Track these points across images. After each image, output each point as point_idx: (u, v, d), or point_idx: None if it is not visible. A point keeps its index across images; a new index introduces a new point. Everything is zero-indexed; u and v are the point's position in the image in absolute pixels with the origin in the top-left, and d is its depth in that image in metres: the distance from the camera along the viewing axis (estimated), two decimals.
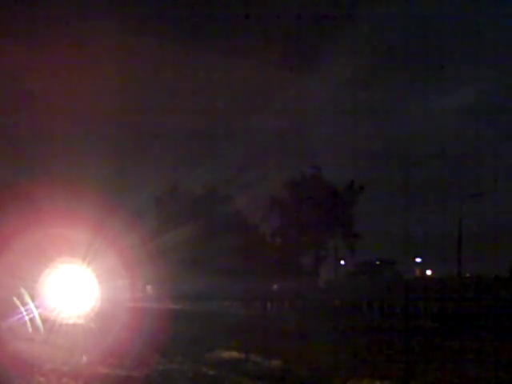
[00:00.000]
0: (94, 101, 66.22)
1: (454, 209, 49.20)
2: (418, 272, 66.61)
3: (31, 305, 19.00)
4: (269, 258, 66.48)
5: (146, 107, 72.61)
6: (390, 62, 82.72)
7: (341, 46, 73.29)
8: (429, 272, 65.69)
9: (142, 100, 75.41)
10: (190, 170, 72.32)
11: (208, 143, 74.01)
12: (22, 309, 18.71)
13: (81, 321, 21.18)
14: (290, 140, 75.42)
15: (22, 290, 19.52)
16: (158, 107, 72.34)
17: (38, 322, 18.57)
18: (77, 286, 22.96)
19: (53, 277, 21.70)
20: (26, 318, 18.42)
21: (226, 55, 71.42)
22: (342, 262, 67.37)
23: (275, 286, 64.81)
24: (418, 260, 65.48)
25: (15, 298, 19.08)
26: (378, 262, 68.47)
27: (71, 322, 20.69)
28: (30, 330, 18.00)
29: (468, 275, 52.88)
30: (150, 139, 72.01)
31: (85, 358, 13.57)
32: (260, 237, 71.54)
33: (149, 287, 68.15)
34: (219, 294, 57.56)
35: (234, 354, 14.80)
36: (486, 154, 67.57)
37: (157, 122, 70.81)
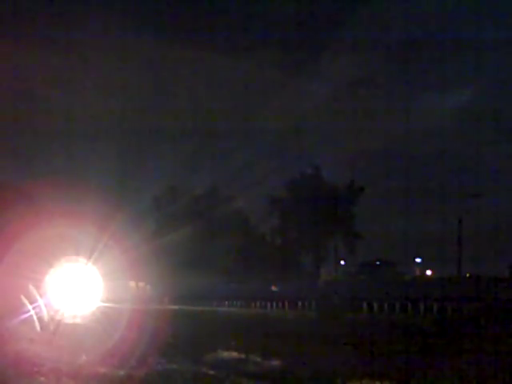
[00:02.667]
0: (95, 101, 66.25)
1: (454, 209, 49.21)
2: (417, 272, 66.63)
3: (39, 303, 19.10)
4: (269, 258, 66.47)
5: (146, 108, 72.63)
6: (389, 62, 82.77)
7: (340, 46, 73.31)
8: (429, 272, 65.71)
9: (141, 100, 75.44)
10: (190, 170, 72.41)
11: (208, 143, 74.12)
12: (30, 307, 18.81)
13: (84, 321, 21.23)
14: (289, 140, 75.46)
15: (30, 289, 19.63)
16: (158, 107, 72.37)
17: (45, 321, 18.65)
18: (81, 286, 23.10)
19: (57, 276, 21.82)
20: (34, 317, 18.51)
21: (226, 56, 71.45)
22: (342, 263, 67.44)
23: (274, 287, 64.79)
24: (418, 260, 65.53)
25: (23, 297, 19.20)
26: (377, 263, 68.49)
27: (75, 321, 20.76)
28: (38, 329, 18.08)
29: (468, 275, 52.89)
30: (150, 139, 72.09)
31: (87, 358, 13.61)
32: (260, 237, 71.54)
33: (149, 287, 68.20)
34: (219, 294, 57.60)
35: (234, 354, 14.82)
36: (486, 154, 67.61)
37: (157, 122, 70.84)
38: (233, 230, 68.32)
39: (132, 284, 65.50)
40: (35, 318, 18.32)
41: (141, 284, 67.83)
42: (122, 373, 11.82)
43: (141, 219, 59.77)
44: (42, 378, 11.18)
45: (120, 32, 65.23)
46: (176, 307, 50.69)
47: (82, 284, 23.23)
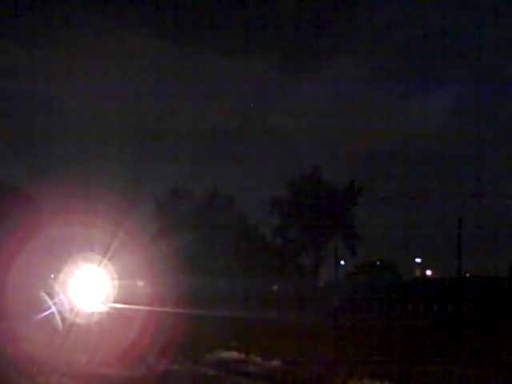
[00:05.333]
0: (96, 102, 66.33)
1: (454, 209, 49.20)
2: (417, 272, 66.59)
3: (60, 299, 19.34)
4: (269, 259, 66.48)
5: (146, 108, 72.79)
6: (390, 63, 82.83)
7: (341, 46, 73.36)
8: (429, 272, 65.68)
9: (142, 101, 75.54)
10: (190, 171, 72.46)
11: (208, 144, 74.16)
12: (50, 304, 18.98)
13: (94, 322, 21.38)
14: (289, 140, 75.52)
15: (51, 287, 19.89)
16: (159, 108, 72.49)
17: (65, 318, 18.87)
18: (93, 286, 23.46)
19: (71, 275, 22.18)
20: (56, 314, 18.69)
21: (226, 57, 71.51)
22: (342, 263, 67.32)
23: (275, 287, 64.81)
24: (418, 260, 65.46)
25: (43, 294, 19.42)
26: (377, 263, 68.48)
27: (87, 322, 20.93)
28: (60, 327, 18.24)
29: (468, 275, 52.92)
30: (149, 140, 72.20)
31: (91, 359, 13.66)
32: (260, 237, 71.53)
33: (151, 288, 68.17)
34: (219, 294, 57.57)
35: (234, 354, 14.83)
36: (486, 154, 67.62)
37: (157, 123, 70.89)
38: (233, 230, 68.34)
39: (136, 284, 65.60)
40: (56, 315, 18.50)
41: (143, 284, 67.89)
42: (121, 373, 11.85)
43: (142, 220, 59.81)
44: (42, 378, 11.22)
45: (120, 32, 65.29)
46: (176, 308, 50.67)
47: (94, 284, 23.60)
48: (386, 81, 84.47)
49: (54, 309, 19.16)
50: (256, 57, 78.69)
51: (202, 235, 65.39)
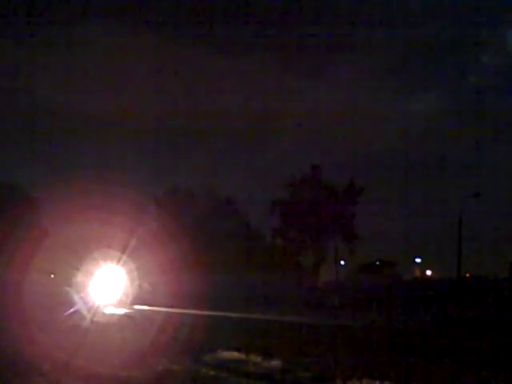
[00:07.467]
0: (96, 102, 66.37)
1: (454, 209, 49.16)
2: (417, 272, 66.62)
3: (81, 297, 19.65)
4: (269, 259, 66.45)
5: (146, 108, 72.77)
6: (390, 64, 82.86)
7: (341, 47, 73.38)
8: (429, 272, 65.70)
9: (142, 101, 75.50)
10: (190, 170, 72.49)
11: (208, 143, 74.19)
12: (80, 299, 19.25)
13: (107, 323, 21.43)
14: (290, 140, 75.55)
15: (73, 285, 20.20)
16: (159, 108, 72.51)
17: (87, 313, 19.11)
18: (110, 286, 23.68)
19: (89, 274, 22.44)
20: (82, 307, 18.94)
21: (226, 56, 71.55)
22: (342, 263, 67.32)
23: (279, 288, 64.77)
24: (418, 260, 65.48)
25: (68, 290, 19.72)
26: (377, 263, 68.51)
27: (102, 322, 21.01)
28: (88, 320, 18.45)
29: (468, 275, 52.93)
30: (148, 139, 72.23)
31: (93, 357, 13.69)
32: (260, 237, 71.49)
33: (149, 288, 68.12)
34: (218, 295, 57.55)
35: (234, 355, 14.83)
36: (486, 155, 67.65)
37: (157, 122, 70.93)
38: (233, 231, 68.30)
39: (138, 284, 65.48)
40: (83, 309, 18.77)
41: (142, 284, 67.83)
42: (122, 373, 11.85)
43: (141, 221, 59.79)
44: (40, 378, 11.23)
45: (120, 32, 65.30)
46: (175, 309, 50.70)
47: (110, 284, 23.81)
48: (386, 80, 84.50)
49: (78, 305, 19.47)
50: (256, 57, 78.73)
51: (200, 235, 65.37)
